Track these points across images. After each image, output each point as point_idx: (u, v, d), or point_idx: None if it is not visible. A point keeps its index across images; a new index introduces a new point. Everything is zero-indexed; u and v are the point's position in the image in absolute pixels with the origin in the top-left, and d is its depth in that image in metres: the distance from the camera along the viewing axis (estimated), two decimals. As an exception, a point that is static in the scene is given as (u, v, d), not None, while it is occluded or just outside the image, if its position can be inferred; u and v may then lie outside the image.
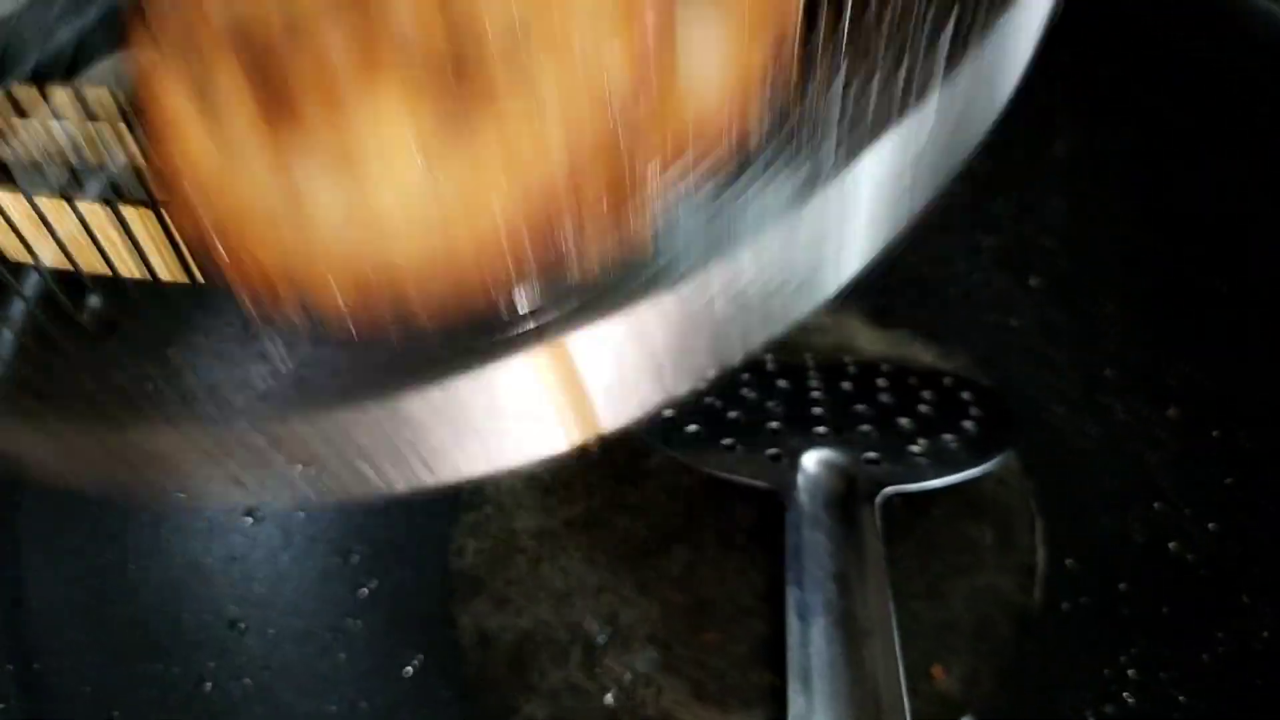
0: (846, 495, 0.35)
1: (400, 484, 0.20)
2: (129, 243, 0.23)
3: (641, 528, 0.40)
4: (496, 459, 0.20)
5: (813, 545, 0.33)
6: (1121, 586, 0.38)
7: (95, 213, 0.23)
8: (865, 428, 0.36)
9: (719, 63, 0.20)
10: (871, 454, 0.36)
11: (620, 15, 0.18)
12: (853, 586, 0.32)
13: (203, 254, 0.21)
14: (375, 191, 0.19)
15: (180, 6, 0.20)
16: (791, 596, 0.31)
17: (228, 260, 0.20)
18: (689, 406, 0.38)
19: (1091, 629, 0.38)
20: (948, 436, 0.37)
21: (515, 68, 0.18)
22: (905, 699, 0.30)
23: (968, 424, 0.37)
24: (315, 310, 0.20)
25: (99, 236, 0.23)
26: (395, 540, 0.40)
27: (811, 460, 0.35)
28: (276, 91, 0.19)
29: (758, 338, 0.20)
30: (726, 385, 0.39)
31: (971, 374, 0.42)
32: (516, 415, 0.19)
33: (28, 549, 0.33)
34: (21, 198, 0.23)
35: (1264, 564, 0.36)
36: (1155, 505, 0.39)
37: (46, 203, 0.23)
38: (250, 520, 0.39)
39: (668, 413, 0.38)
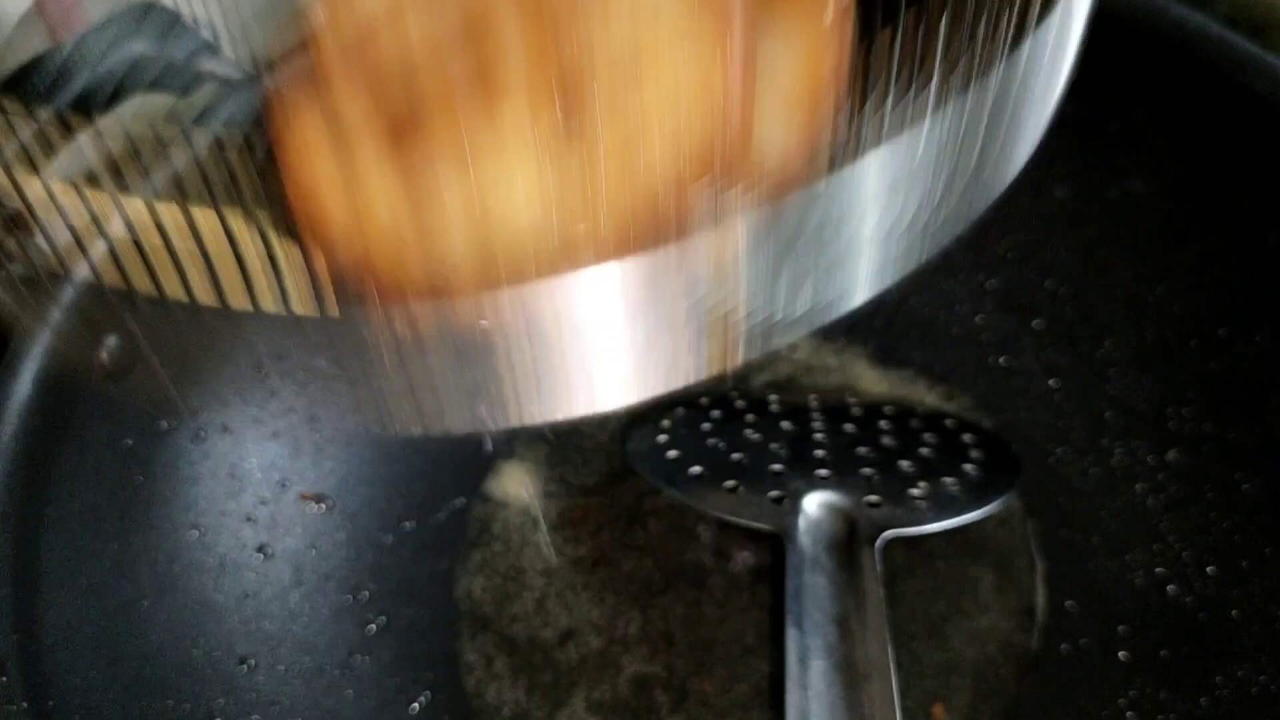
0: (847, 538, 0.35)
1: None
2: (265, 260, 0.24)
3: (647, 567, 0.40)
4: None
5: (813, 588, 0.33)
6: (1121, 629, 0.38)
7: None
8: (867, 470, 0.37)
9: (790, 84, 0.23)
10: (873, 497, 0.36)
11: (708, 44, 0.21)
12: (852, 629, 0.32)
13: (334, 274, 0.23)
14: (496, 200, 0.21)
15: (320, 53, 0.22)
16: (791, 638, 0.32)
17: (361, 277, 0.23)
18: (694, 448, 0.39)
19: (1091, 671, 0.38)
20: (949, 480, 0.37)
21: (618, 96, 0.21)
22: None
23: (969, 467, 0.38)
24: (440, 311, 0.22)
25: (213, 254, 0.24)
26: (404, 578, 0.40)
27: (813, 503, 0.35)
28: (405, 120, 0.22)
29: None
30: (731, 427, 0.39)
31: (974, 415, 0.43)
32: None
33: (46, 586, 0.34)
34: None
35: (1262, 609, 0.36)
36: (1155, 548, 0.39)
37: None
38: (262, 557, 0.39)
39: (672, 454, 0.39)
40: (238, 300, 0.24)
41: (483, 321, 0.21)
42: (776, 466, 0.37)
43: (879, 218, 0.22)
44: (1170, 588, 0.38)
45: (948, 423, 0.40)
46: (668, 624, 0.39)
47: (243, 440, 0.41)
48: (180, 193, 0.25)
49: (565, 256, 0.22)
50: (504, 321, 0.21)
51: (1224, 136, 0.40)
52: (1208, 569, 0.38)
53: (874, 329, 0.46)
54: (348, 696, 0.38)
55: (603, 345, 0.22)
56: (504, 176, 0.22)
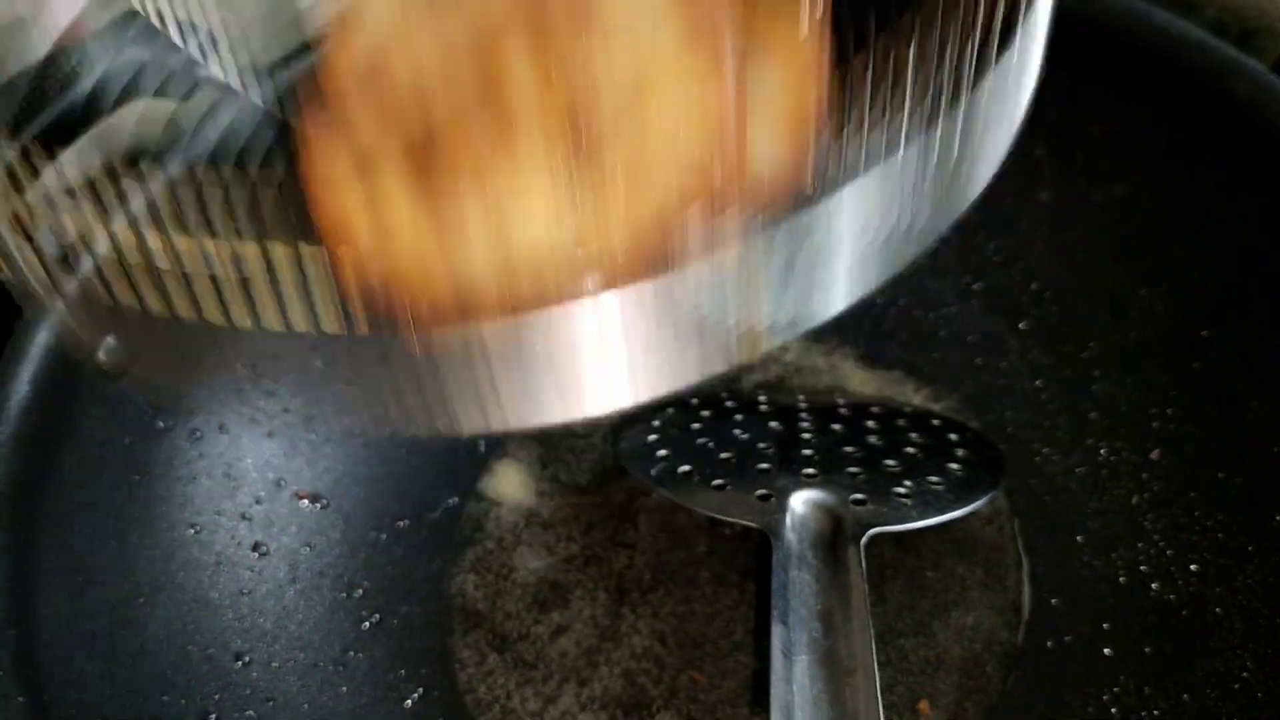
0: (833, 535, 0.36)
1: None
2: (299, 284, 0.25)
3: (638, 565, 0.41)
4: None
5: (798, 584, 0.34)
6: (1105, 626, 0.39)
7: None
8: (853, 469, 0.37)
9: (777, 107, 0.24)
10: (858, 495, 0.37)
11: (703, 70, 0.23)
12: (836, 625, 0.33)
13: (361, 295, 0.24)
14: (514, 220, 0.23)
15: (343, 90, 0.24)
16: (776, 634, 0.32)
17: (389, 296, 0.24)
18: (684, 448, 0.39)
19: (1075, 667, 0.39)
20: (933, 478, 0.38)
21: (623, 120, 0.23)
22: (886, 735, 0.31)
23: (953, 466, 0.39)
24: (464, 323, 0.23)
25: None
26: (397, 575, 0.41)
27: (799, 501, 0.36)
28: (423, 144, 0.23)
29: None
30: (720, 427, 0.40)
31: (960, 415, 0.44)
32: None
33: (44, 582, 0.34)
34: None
35: (1244, 605, 0.37)
36: (1139, 546, 0.40)
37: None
38: (257, 555, 0.40)
39: (663, 453, 0.39)
40: (268, 319, 0.25)
41: (502, 337, 0.23)
42: (764, 465, 0.37)
43: (861, 232, 0.23)
44: (1154, 585, 0.39)
45: (934, 422, 0.40)
46: (658, 621, 0.39)
47: (239, 439, 0.41)
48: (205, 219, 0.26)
49: (581, 274, 0.23)
50: (523, 337, 0.23)
51: (1205, 140, 0.40)
52: (1191, 566, 0.38)
53: (862, 330, 0.46)
54: (342, 692, 0.38)
55: (612, 352, 0.23)
56: (520, 197, 0.23)
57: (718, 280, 0.23)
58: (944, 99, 0.23)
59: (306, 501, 0.42)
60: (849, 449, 0.38)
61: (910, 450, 0.39)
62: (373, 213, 0.24)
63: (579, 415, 0.24)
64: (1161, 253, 0.42)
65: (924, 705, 0.37)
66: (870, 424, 0.40)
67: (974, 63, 0.23)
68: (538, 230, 0.24)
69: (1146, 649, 0.38)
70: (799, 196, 0.24)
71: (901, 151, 0.22)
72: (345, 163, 0.24)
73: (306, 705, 0.38)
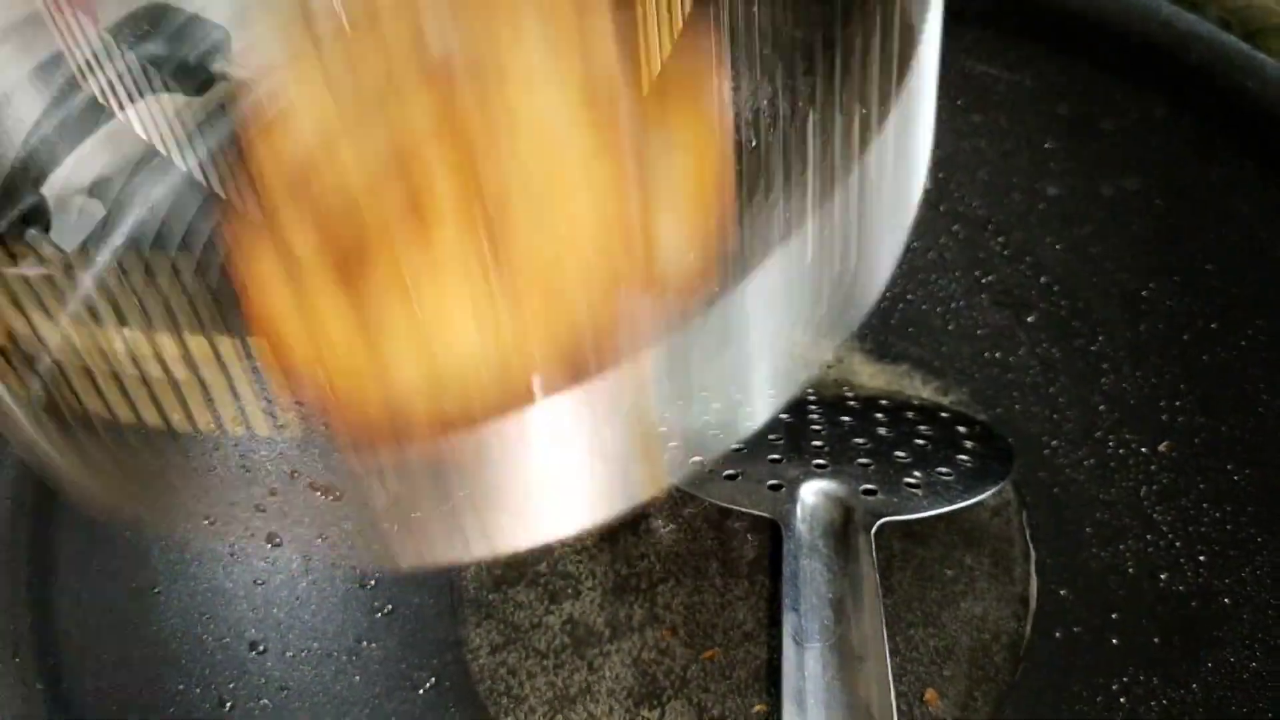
0: (843, 525, 0.36)
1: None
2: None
3: (649, 554, 0.41)
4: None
5: (810, 572, 0.34)
6: (1113, 616, 0.39)
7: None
8: (863, 460, 0.38)
9: (682, 210, 0.25)
10: (868, 485, 0.37)
11: (610, 170, 0.24)
12: (848, 612, 0.33)
13: (286, 390, 0.25)
14: (434, 321, 0.23)
15: (265, 193, 0.25)
16: (788, 622, 0.33)
17: (310, 391, 0.25)
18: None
19: (1083, 658, 0.39)
20: (943, 469, 0.38)
21: (536, 220, 0.23)
22: (896, 721, 0.32)
23: (962, 457, 0.39)
24: (391, 417, 0.23)
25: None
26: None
27: (810, 491, 0.36)
28: (346, 254, 0.23)
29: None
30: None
31: (970, 408, 0.44)
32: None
33: (61, 571, 0.35)
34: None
35: (1253, 596, 0.37)
36: (1147, 537, 0.40)
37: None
38: (271, 546, 0.40)
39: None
40: (202, 421, 0.26)
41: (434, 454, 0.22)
42: (774, 456, 0.38)
43: (776, 322, 0.23)
44: (1162, 576, 0.39)
45: (943, 415, 0.41)
46: (670, 611, 0.39)
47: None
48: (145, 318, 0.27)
49: (504, 383, 0.23)
50: (454, 454, 0.22)
51: (1216, 133, 0.41)
52: (1199, 558, 0.39)
53: (871, 325, 0.47)
54: (355, 681, 0.39)
55: (538, 476, 0.22)
56: (442, 304, 0.23)
57: (639, 387, 0.22)
58: (836, 174, 0.22)
59: (320, 494, 0.42)
60: (859, 440, 0.39)
61: (919, 442, 0.39)
62: (304, 317, 0.24)
63: (517, 545, 0.23)
64: (1172, 246, 0.42)
65: (932, 695, 0.38)
66: (879, 416, 0.40)
67: (860, 138, 0.23)
68: (461, 337, 0.23)
69: (1155, 640, 0.38)
70: (708, 289, 0.24)
71: (808, 229, 0.22)
72: (274, 265, 0.25)
73: (321, 694, 0.38)
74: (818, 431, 0.39)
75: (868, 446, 0.38)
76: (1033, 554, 0.41)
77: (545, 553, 0.42)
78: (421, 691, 0.39)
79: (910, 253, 0.47)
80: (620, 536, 0.42)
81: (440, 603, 0.41)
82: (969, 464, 0.38)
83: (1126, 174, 0.44)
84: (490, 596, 0.41)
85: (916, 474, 0.37)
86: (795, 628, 0.32)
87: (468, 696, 0.40)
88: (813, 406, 0.40)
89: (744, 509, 0.38)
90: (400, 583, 0.41)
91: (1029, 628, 0.40)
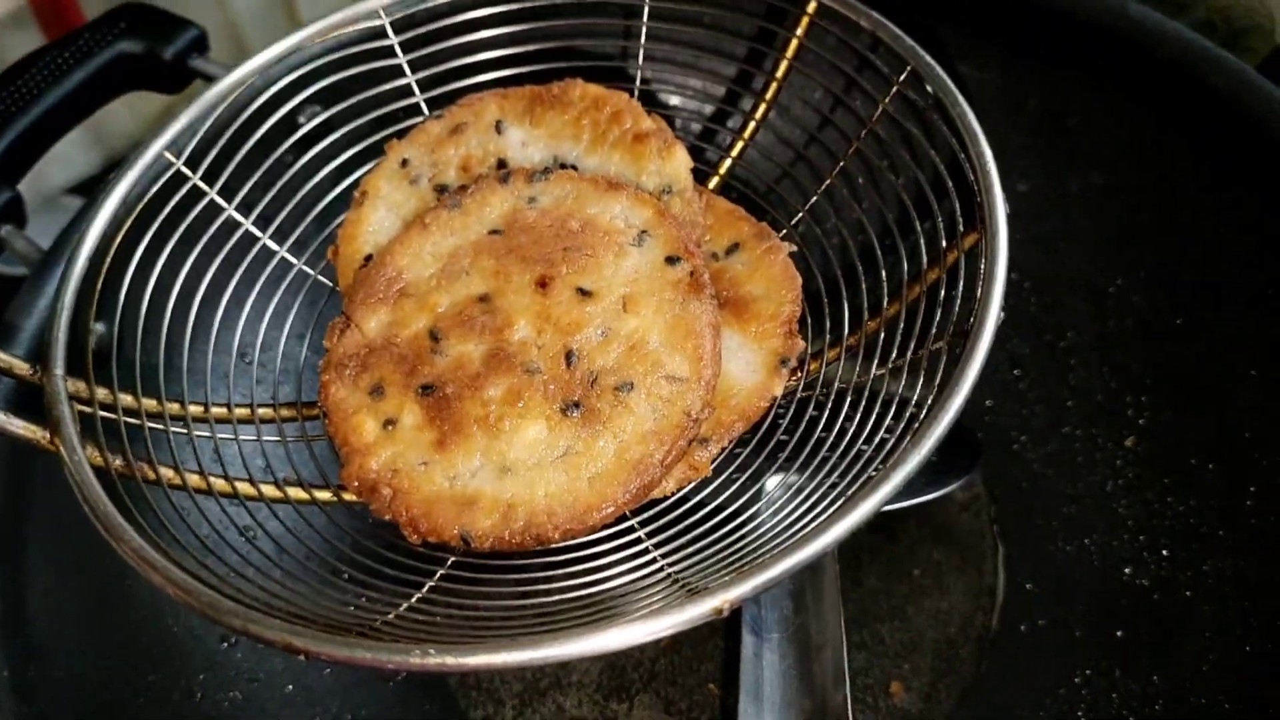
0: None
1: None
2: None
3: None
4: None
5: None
6: (1078, 610, 0.39)
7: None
8: (828, 453, 0.38)
9: (746, 375, 0.32)
10: (832, 478, 0.37)
11: (688, 357, 0.29)
12: (807, 604, 0.33)
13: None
14: (523, 470, 0.29)
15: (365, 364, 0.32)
16: (748, 613, 0.33)
17: (415, 529, 0.30)
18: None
19: (1047, 651, 0.39)
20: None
21: (615, 398, 0.29)
22: (850, 710, 0.32)
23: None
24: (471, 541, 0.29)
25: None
26: (382, 559, 0.41)
27: (773, 483, 0.36)
28: (448, 423, 0.30)
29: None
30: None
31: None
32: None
33: (32, 558, 0.35)
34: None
35: (1214, 589, 0.37)
36: (1113, 531, 0.40)
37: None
38: (245, 539, 0.40)
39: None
40: None
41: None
42: (738, 450, 0.38)
43: None
44: (1126, 570, 0.39)
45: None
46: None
47: (280, 456, 0.42)
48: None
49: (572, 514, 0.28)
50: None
51: (1182, 131, 0.41)
52: (1162, 551, 0.39)
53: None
54: (326, 674, 0.39)
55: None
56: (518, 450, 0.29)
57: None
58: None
59: (294, 488, 0.42)
60: (825, 434, 0.39)
61: (886, 435, 0.39)
62: (396, 464, 0.30)
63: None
64: (1138, 242, 0.43)
65: (897, 687, 0.38)
66: (847, 410, 0.40)
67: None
68: (536, 473, 0.29)
69: (1118, 632, 0.38)
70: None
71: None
72: (362, 401, 0.31)
73: (291, 686, 0.39)
74: (784, 425, 0.39)
75: (833, 440, 0.38)
76: (1000, 548, 0.42)
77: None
78: (391, 684, 0.39)
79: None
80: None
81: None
82: (935, 457, 0.38)
83: (1093, 170, 0.44)
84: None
85: (881, 466, 0.37)
86: (754, 619, 0.32)
87: (438, 689, 0.40)
88: (780, 401, 0.40)
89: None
90: (372, 574, 0.41)
91: (995, 621, 0.40)
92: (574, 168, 0.33)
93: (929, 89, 0.32)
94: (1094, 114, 0.43)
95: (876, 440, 0.30)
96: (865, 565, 0.41)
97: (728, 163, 0.39)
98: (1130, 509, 0.40)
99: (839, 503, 0.25)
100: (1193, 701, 0.36)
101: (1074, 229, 0.44)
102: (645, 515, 0.30)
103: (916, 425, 0.26)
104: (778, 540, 0.26)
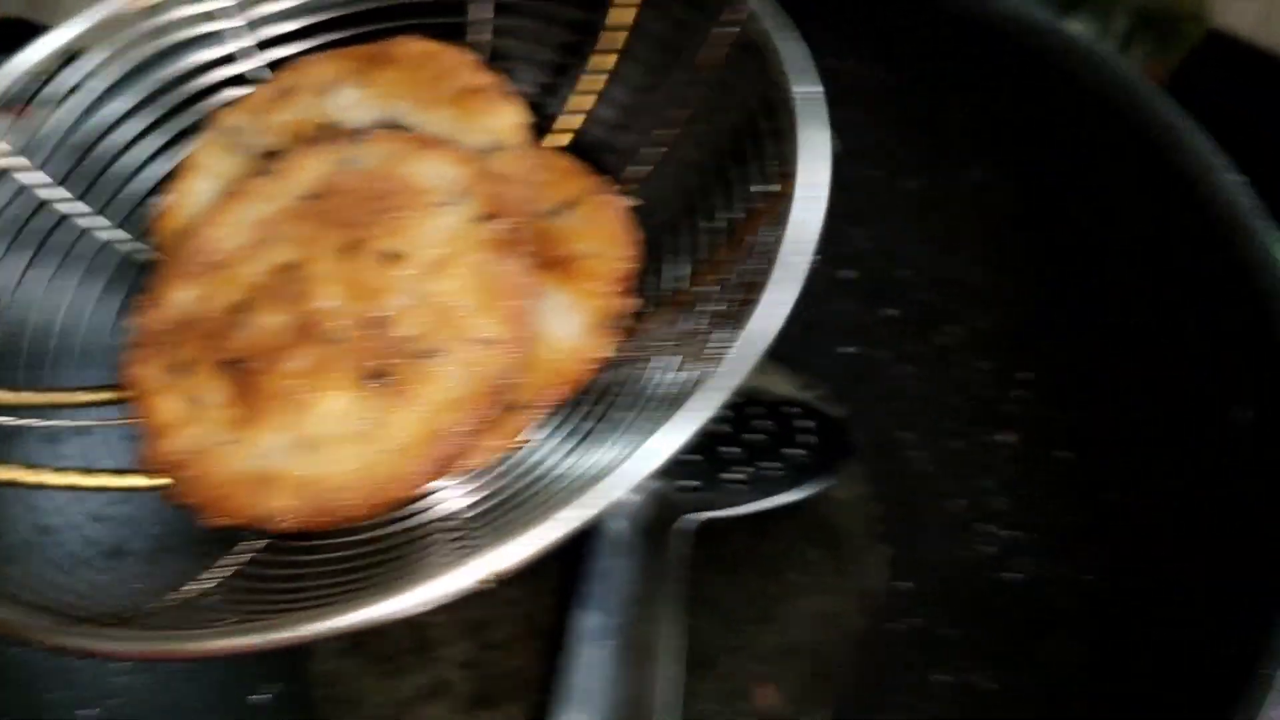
0: (659, 521, 0.36)
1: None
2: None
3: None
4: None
5: (617, 570, 0.34)
6: (952, 609, 0.39)
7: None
8: (688, 456, 0.37)
9: (570, 336, 0.30)
10: (690, 481, 0.37)
11: (499, 319, 0.28)
12: (646, 611, 0.33)
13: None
14: (324, 445, 0.27)
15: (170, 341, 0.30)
16: (579, 619, 0.32)
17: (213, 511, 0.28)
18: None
19: (921, 650, 0.39)
20: (772, 464, 0.38)
21: (420, 365, 0.27)
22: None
23: (794, 451, 0.39)
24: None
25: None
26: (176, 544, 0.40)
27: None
28: (252, 399, 0.28)
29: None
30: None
31: (830, 403, 0.44)
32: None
33: None
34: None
35: (1084, 587, 0.37)
36: (989, 530, 0.40)
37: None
38: (111, 556, 0.40)
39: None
40: None
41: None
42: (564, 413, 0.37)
43: None
44: (999, 568, 0.39)
45: (784, 410, 0.40)
46: (482, 608, 0.39)
47: (95, 441, 0.41)
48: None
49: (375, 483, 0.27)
50: None
51: (1056, 126, 0.40)
52: (1036, 548, 0.39)
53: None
54: (189, 689, 0.39)
55: None
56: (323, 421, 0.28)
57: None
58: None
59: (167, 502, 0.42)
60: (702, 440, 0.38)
61: (752, 437, 0.39)
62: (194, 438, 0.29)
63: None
64: (1017, 238, 0.42)
65: (765, 692, 0.37)
66: (725, 416, 0.40)
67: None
68: (337, 448, 0.27)
69: (991, 632, 0.38)
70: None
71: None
72: (165, 379, 0.30)
73: (153, 701, 0.38)
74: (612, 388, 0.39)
75: (698, 442, 0.38)
76: (879, 548, 0.41)
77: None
78: (257, 698, 0.39)
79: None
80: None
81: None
82: (802, 458, 0.38)
83: (978, 166, 0.44)
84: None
85: (742, 469, 0.37)
86: (587, 625, 0.32)
87: (307, 703, 0.39)
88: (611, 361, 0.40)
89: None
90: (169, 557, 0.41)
91: (871, 622, 0.40)
92: (407, 128, 0.32)
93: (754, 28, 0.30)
94: (979, 109, 0.43)
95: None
96: (742, 567, 0.40)
97: (571, 119, 0.37)
98: (1005, 506, 0.40)
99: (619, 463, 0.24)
100: (1062, 699, 0.35)
101: (960, 225, 0.44)
102: (457, 485, 0.29)
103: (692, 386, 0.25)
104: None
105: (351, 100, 0.32)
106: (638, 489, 0.23)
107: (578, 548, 0.34)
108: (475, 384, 0.27)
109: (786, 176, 0.27)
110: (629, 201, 0.32)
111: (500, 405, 0.28)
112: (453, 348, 0.27)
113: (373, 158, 0.30)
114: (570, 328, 0.30)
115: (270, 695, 0.39)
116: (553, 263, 0.31)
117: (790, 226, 0.26)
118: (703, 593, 0.40)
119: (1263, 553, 0.30)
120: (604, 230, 0.31)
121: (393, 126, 0.32)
